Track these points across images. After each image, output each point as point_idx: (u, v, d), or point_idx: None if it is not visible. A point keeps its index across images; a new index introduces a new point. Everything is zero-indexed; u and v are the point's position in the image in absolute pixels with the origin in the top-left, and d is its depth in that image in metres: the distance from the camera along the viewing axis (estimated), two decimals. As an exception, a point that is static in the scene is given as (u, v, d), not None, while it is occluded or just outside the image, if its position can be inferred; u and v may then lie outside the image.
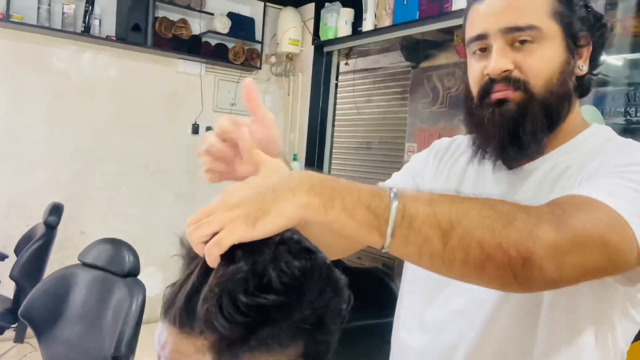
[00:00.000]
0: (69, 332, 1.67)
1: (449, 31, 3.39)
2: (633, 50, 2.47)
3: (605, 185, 0.62)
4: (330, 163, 4.04)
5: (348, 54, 4.15)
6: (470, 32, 0.79)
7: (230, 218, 0.48)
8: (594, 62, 0.79)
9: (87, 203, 3.36)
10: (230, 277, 0.47)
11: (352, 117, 4.60)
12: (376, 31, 3.31)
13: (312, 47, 3.83)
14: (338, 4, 3.59)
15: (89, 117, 3.34)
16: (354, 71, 4.43)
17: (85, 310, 1.68)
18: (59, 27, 3.08)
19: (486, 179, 0.84)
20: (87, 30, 3.17)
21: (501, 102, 0.76)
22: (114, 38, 3.26)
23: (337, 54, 3.96)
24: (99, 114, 3.38)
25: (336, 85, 4.00)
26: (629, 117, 2.43)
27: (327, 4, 3.66)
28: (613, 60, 2.57)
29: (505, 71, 0.75)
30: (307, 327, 0.49)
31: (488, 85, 0.76)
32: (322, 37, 3.68)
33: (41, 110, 3.20)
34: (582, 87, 0.80)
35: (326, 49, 3.85)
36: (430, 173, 0.94)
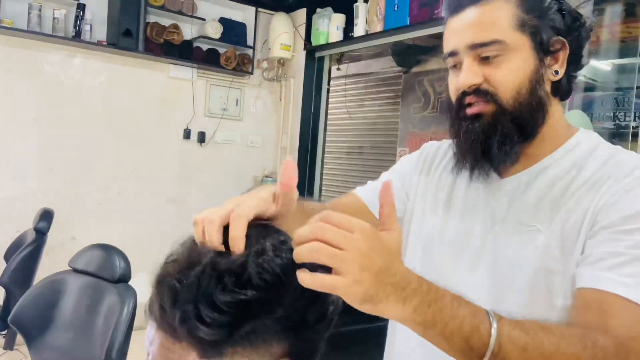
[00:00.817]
0: (60, 338, 1.66)
1: (440, 36, 3.39)
2: (621, 55, 2.50)
3: (625, 270, 0.65)
4: (322, 168, 4.04)
5: (340, 59, 4.16)
6: (445, 48, 0.83)
7: (354, 273, 0.49)
8: (574, 63, 0.80)
9: (78, 209, 3.34)
10: (195, 285, 0.48)
11: (344, 122, 4.61)
12: (367, 37, 3.33)
13: (303, 53, 3.85)
14: (329, 9, 3.61)
15: (79, 122, 3.33)
16: (345, 76, 4.44)
17: (76, 317, 1.66)
18: (50, 32, 3.07)
19: (478, 186, 0.85)
20: (78, 35, 3.17)
21: (475, 116, 0.79)
22: (105, 43, 3.26)
23: (329, 59, 3.97)
24: (90, 119, 3.36)
25: (328, 90, 4.01)
26: (617, 122, 2.46)
27: (318, 10, 3.68)
28: (602, 65, 2.60)
29: (473, 85, 0.78)
30: (291, 325, 0.50)
31: (461, 98, 0.80)
32: (314, 43, 3.70)
33: (31, 116, 3.18)
34: (561, 90, 0.81)
35: (318, 54, 3.87)
36: (419, 176, 0.96)
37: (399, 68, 4.14)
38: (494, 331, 0.57)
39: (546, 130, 0.80)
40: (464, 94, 0.79)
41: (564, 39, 0.78)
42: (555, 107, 0.81)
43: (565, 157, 0.79)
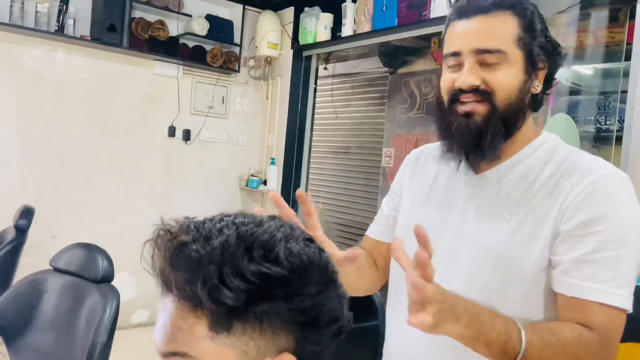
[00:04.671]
0: (40, 340, 1.63)
1: (427, 38, 3.43)
2: (604, 60, 2.54)
3: (599, 276, 0.80)
4: (308, 167, 4.03)
5: (327, 58, 4.16)
6: (447, 48, 0.91)
7: (434, 306, 0.69)
8: (547, 83, 0.93)
9: (59, 206, 3.28)
10: (220, 251, 0.49)
11: (331, 122, 4.61)
12: (355, 37, 3.33)
13: (291, 51, 3.83)
14: (317, 8, 3.60)
15: (61, 118, 3.27)
16: (332, 76, 4.44)
17: (56, 317, 1.63)
18: (32, 26, 3.01)
19: (457, 182, 0.97)
20: (61, 29, 3.11)
21: (468, 114, 0.89)
22: (89, 38, 3.20)
23: (316, 59, 3.96)
24: (73, 115, 3.31)
25: (315, 89, 4.00)
26: (598, 125, 2.50)
27: (306, 9, 3.67)
28: (585, 70, 2.63)
29: (473, 85, 0.87)
30: (303, 321, 0.51)
31: (457, 94, 0.89)
32: (302, 42, 3.69)
33: (12, 111, 3.11)
34: (535, 102, 0.93)
35: (305, 53, 3.86)
36: (407, 182, 1.08)
37: (386, 69, 4.15)
38: (523, 338, 0.76)
39: (518, 132, 0.91)
40: (461, 91, 0.89)
41: (546, 60, 0.90)
42: (529, 115, 0.94)
43: (532, 154, 0.92)
